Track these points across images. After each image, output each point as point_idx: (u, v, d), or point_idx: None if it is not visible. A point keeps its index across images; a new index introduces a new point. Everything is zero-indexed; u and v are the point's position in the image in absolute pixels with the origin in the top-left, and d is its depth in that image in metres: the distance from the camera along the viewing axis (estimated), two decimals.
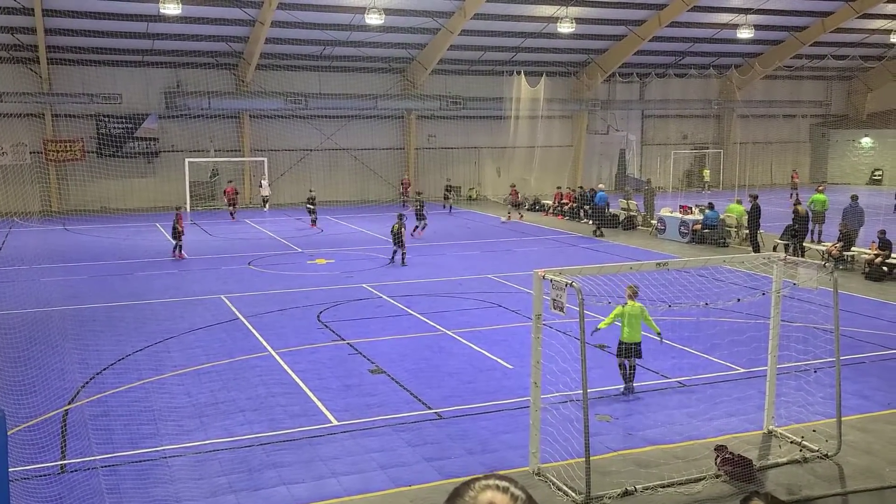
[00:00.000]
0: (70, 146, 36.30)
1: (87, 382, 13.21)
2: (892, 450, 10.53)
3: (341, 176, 41.89)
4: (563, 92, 44.88)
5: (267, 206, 38.30)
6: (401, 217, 24.08)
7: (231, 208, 35.05)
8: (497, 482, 1.82)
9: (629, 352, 12.41)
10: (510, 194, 36.16)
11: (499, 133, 42.71)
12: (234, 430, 11.16)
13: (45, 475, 9.75)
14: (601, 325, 12.61)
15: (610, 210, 32.37)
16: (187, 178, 37.10)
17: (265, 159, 38.78)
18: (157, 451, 10.45)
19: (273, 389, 12.85)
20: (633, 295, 12.56)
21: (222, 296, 19.60)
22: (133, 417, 11.61)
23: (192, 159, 37.45)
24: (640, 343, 12.49)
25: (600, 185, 33.28)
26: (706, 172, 48.58)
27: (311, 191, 33.68)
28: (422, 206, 30.49)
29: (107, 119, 37.02)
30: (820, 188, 30.06)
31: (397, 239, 23.69)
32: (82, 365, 14.09)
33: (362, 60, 39.86)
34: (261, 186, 38.54)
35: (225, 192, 35.73)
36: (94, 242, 28.36)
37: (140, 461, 10.16)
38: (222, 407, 12.07)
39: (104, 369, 13.91)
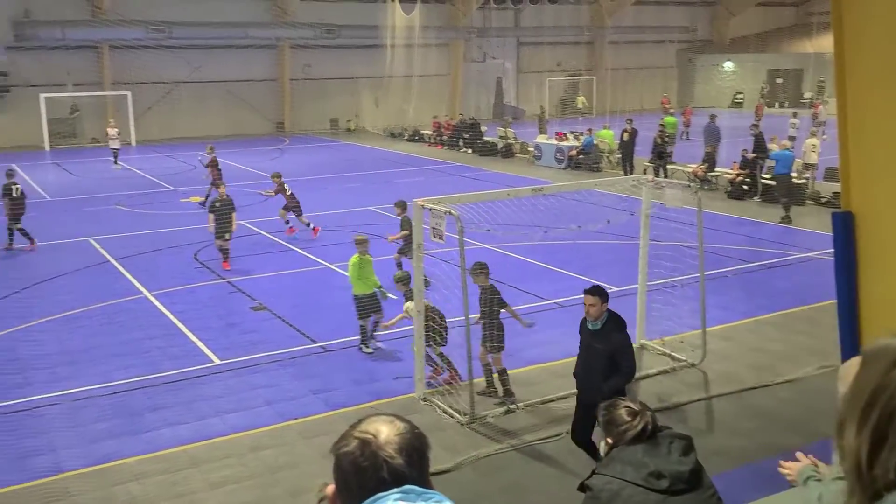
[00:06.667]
0: None
1: None
2: (750, 355, 11.35)
3: (212, 109, 40.18)
4: (438, 19, 44.38)
5: (118, 162, 30.26)
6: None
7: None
8: (386, 416, 1.89)
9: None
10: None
11: (376, 63, 41.91)
12: (111, 375, 10.79)
13: None
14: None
15: (789, 177, 20.98)
16: (44, 115, 34.67)
17: (129, 93, 36.65)
18: (28, 401, 9.99)
19: (150, 332, 12.47)
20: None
21: (90, 238, 18.66)
22: None
23: (48, 94, 34.94)
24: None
25: (783, 142, 21.95)
26: (580, 99, 49.64)
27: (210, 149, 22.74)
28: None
29: None
30: (671, 110, 31.95)
31: None
32: None
33: None
34: (107, 135, 31.25)
35: None
36: None
37: (9, 412, 9.69)
38: (97, 352, 11.63)
39: None
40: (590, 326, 7.71)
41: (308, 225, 18.72)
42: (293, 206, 18.64)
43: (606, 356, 7.47)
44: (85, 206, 22.69)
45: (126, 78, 37.18)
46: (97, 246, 17.98)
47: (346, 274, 15.49)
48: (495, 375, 10.01)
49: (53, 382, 10.56)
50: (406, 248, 14.77)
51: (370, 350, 11.55)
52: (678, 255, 13.24)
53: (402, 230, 14.53)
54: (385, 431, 1.82)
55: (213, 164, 21.87)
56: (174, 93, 38.98)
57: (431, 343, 10.35)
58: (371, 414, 1.95)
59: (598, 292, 7.63)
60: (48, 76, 35.79)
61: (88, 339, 12.19)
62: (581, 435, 7.85)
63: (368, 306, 11.51)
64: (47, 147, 35.07)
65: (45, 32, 34.67)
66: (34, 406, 9.87)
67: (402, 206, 14.75)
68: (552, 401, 9.83)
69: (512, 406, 9.68)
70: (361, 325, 11.61)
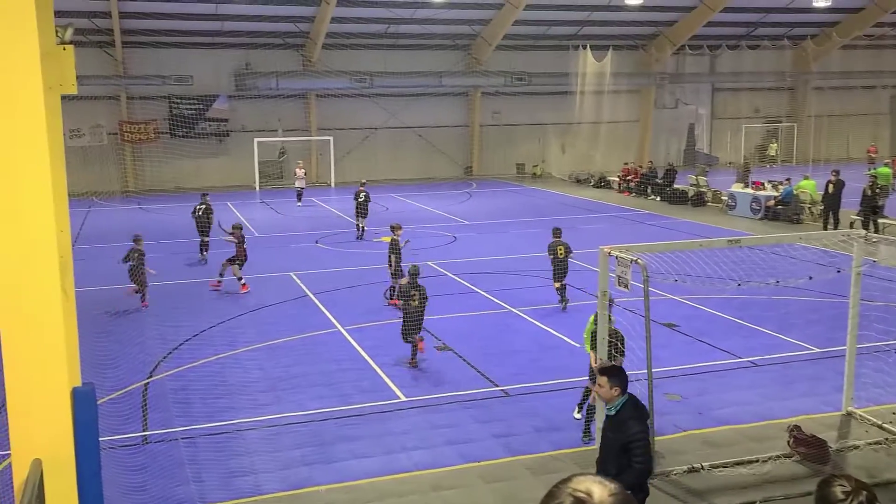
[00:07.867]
0: (144, 127, 37.35)
1: (165, 356, 13.69)
2: None
3: (405, 154, 42.06)
4: (630, 66, 44.03)
5: (300, 200, 32.41)
6: None
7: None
8: (594, 477, 1.91)
9: None
10: None
11: (564, 109, 42.18)
12: (307, 404, 11.43)
13: (130, 445, 10.18)
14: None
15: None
16: (256, 157, 37.80)
17: (331, 138, 39.17)
18: (233, 423, 10.79)
19: (343, 365, 13.11)
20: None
21: (291, 273, 19.99)
22: (209, 391, 11.99)
23: (261, 139, 38.11)
24: None
25: None
26: (773, 146, 47.18)
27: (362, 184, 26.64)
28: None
29: (179, 100, 37.93)
30: (886, 161, 29.40)
31: None
32: (160, 339, 14.60)
33: (427, 38, 39.79)
34: (295, 175, 33.32)
35: None
36: (169, 221, 29.16)
37: (217, 433, 10.50)
38: (294, 382, 12.37)
39: (181, 344, 14.39)
40: (605, 411, 6.83)
41: (240, 279, 18.35)
42: (241, 259, 18.43)
43: (618, 447, 6.51)
44: (289, 243, 24.36)
45: (329, 124, 39.85)
46: (298, 281, 19.22)
47: (528, 319, 15.63)
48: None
49: (255, 408, 11.35)
50: (558, 273, 16.38)
51: (579, 416, 10.83)
52: (891, 316, 12.20)
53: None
54: (598, 492, 1.85)
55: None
56: (371, 138, 41.23)
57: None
58: (577, 473, 1.97)
59: (607, 372, 6.64)
60: (262, 122, 39.10)
61: (287, 368, 13.00)
62: None
63: None
64: (257, 187, 38.09)
65: (261, 82, 37.94)
66: (238, 429, 10.64)
67: (557, 232, 16.77)
68: (741, 464, 9.29)
69: (696, 466, 9.31)
70: (586, 388, 10.85)
